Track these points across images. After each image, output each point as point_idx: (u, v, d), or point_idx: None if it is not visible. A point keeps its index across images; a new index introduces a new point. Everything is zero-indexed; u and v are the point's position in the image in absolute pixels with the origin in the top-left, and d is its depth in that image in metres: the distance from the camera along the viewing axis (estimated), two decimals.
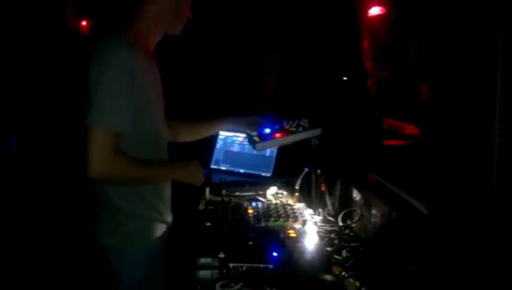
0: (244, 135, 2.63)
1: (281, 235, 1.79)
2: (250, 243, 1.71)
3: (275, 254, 1.60)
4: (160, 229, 1.69)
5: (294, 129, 2.04)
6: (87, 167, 1.43)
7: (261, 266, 1.54)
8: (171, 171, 1.69)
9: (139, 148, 1.56)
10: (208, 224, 1.92)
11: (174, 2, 1.64)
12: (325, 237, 1.83)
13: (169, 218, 1.76)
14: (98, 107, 1.44)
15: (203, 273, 1.53)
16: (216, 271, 1.52)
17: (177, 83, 2.13)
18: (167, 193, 1.75)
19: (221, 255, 1.57)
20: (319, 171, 2.16)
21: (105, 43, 1.51)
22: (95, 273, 1.74)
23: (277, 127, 2.09)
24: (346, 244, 1.77)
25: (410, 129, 3.69)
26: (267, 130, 2.08)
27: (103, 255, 1.64)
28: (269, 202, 2.18)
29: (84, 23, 3.92)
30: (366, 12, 3.84)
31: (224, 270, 1.52)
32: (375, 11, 4.08)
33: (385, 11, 4.04)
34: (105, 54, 1.47)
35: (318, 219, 2.05)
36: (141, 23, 1.62)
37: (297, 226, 1.90)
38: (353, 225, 1.97)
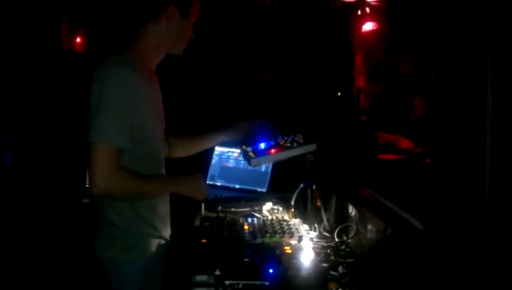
0: (239, 150, 2.63)
1: (277, 251, 1.79)
2: (246, 259, 1.70)
3: (271, 270, 1.60)
4: (157, 243, 1.70)
5: (289, 145, 2.04)
6: (91, 183, 1.44)
7: (257, 283, 1.53)
8: (173, 184, 1.69)
9: (137, 166, 1.57)
10: (204, 241, 1.92)
11: (177, 22, 1.64)
12: (321, 253, 1.83)
13: (166, 233, 1.76)
14: (100, 124, 1.46)
15: None
16: (212, 289, 1.52)
17: (172, 97, 2.13)
18: (164, 208, 1.75)
19: (217, 273, 1.56)
20: (314, 186, 2.16)
21: (108, 63, 1.52)
22: (94, 287, 1.73)
23: (272, 142, 2.10)
24: (342, 260, 1.76)
25: (405, 143, 3.70)
26: (262, 146, 2.08)
27: (102, 268, 1.65)
28: (265, 218, 2.18)
29: (78, 40, 3.93)
30: (359, 28, 3.88)
31: (220, 288, 1.51)
32: (368, 26, 4.12)
33: (378, 26, 4.08)
34: (107, 73, 1.49)
35: (314, 234, 2.05)
36: (143, 43, 1.64)
37: (293, 242, 1.90)
38: (349, 240, 1.97)
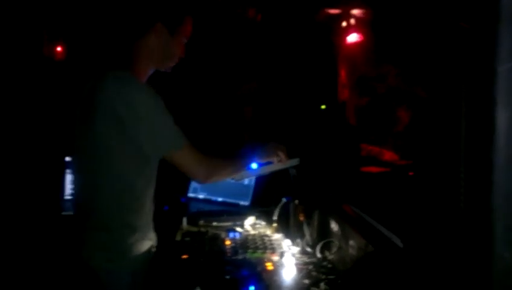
0: None
1: (259, 268, 1.77)
2: (227, 276, 1.69)
3: (252, 288, 1.58)
4: (144, 250, 1.66)
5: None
6: (199, 180, 1.72)
7: None
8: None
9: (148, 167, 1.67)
10: (185, 256, 1.90)
11: (164, 40, 1.68)
12: (303, 269, 1.82)
13: (153, 237, 1.74)
14: (172, 133, 1.59)
15: None
16: None
17: None
18: (149, 213, 1.73)
19: None
20: (297, 201, 2.15)
21: (119, 81, 1.54)
22: None
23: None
24: (324, 276, 1.75)
25: (388, 156, 3.72)
26: None
27: (92, 276, 1.61)
28: (247, 233, 2.16)
29: (59, 48, 3.88)
30: (343, 40, 3.90)
31: None
32: (353, 38, 4.14)
33: (363, 38, 4.11)
34: (132, 89, 1.53)
35: (296, 249, 2.04)
36: (135, 58, 1.67)
37: (275, 258, 1.89)
38: (331, 256, 1.96)
